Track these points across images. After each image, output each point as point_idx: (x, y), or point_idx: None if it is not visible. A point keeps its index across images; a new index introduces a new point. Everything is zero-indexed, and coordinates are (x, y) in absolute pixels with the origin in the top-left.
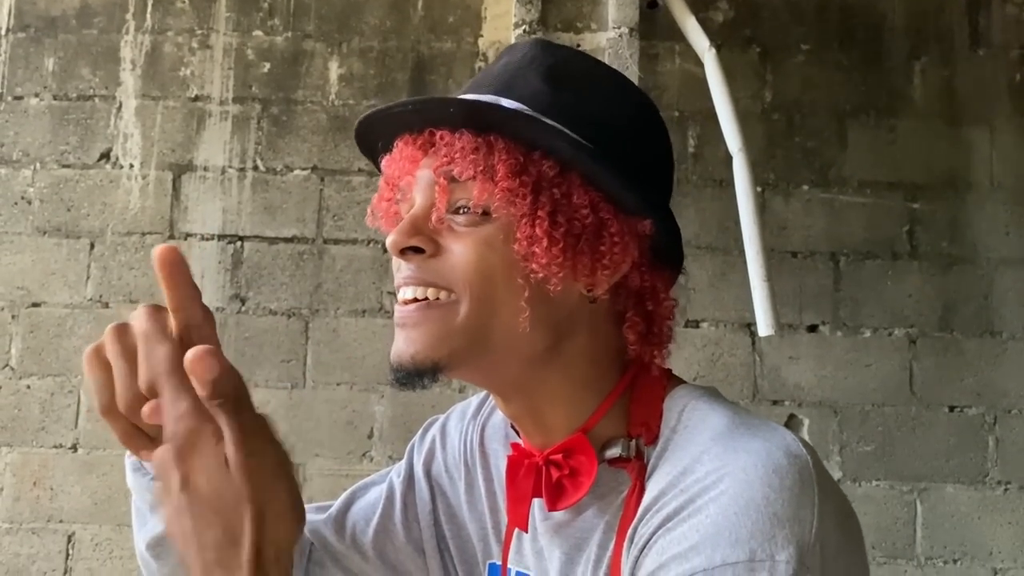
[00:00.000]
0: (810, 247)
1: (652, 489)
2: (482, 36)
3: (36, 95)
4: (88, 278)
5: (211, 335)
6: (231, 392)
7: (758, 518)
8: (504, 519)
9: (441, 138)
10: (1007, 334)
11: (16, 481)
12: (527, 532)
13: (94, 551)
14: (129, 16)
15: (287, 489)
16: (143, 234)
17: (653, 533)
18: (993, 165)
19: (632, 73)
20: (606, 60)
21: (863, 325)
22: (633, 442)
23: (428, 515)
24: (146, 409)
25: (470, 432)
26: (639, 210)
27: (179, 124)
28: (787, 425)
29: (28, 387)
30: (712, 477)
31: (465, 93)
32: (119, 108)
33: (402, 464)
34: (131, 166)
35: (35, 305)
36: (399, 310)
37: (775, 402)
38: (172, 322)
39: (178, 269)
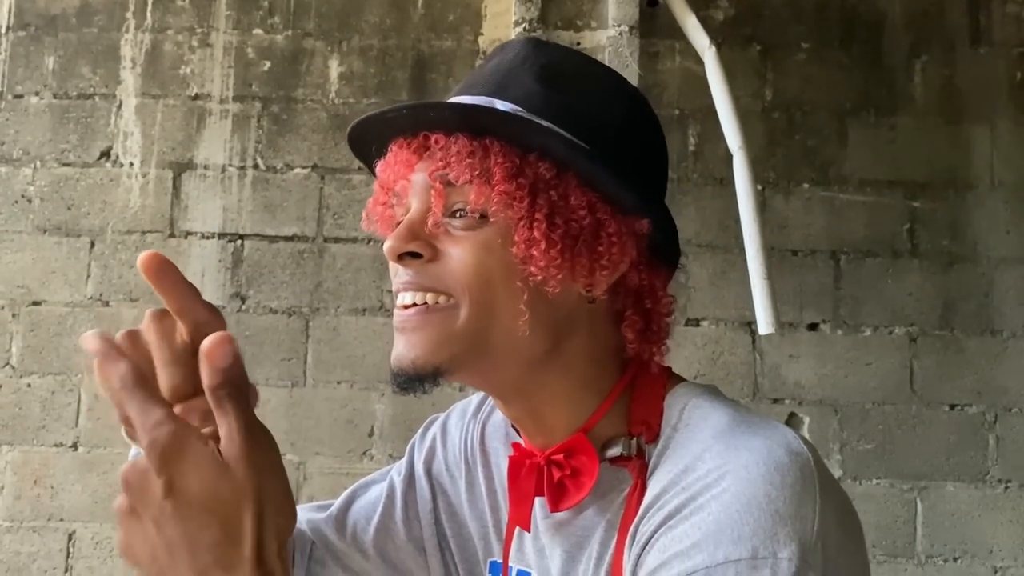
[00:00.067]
0: (810, 245)
1: (654, 487)
2: (482, 34)
3: (36, 93)
4: (88, 276)
5: (222, 328)
6: (238, 383)
7: (760, 515)
8: (505, 517)
9: (436, 142)
10: (1007, 332)
11: (17, 479)
12: (529, 532)
13: (95, 549)
14: (129, 14)
15: (282, 480)
16: (143, 232)
17: (655, 531)
18: (994, 163)
19: (632, 71)
20: (606, 58)
21: (863, 323)
22: (634, 441)
23: (429, 513)
24: (177, 412)
25: (471, 430)
26: (636, 209)
27: (179, 122)
28: (787, 424)
29: (28, 385)
30: (714, 475)
31: (458, 94)
32: (119, 106)
33: (403, 462)
34: (131, 164)
35: (35, 304)
36: (398, 315)
37: (775, 400)
38: (180, 326)
39: (166, 274)
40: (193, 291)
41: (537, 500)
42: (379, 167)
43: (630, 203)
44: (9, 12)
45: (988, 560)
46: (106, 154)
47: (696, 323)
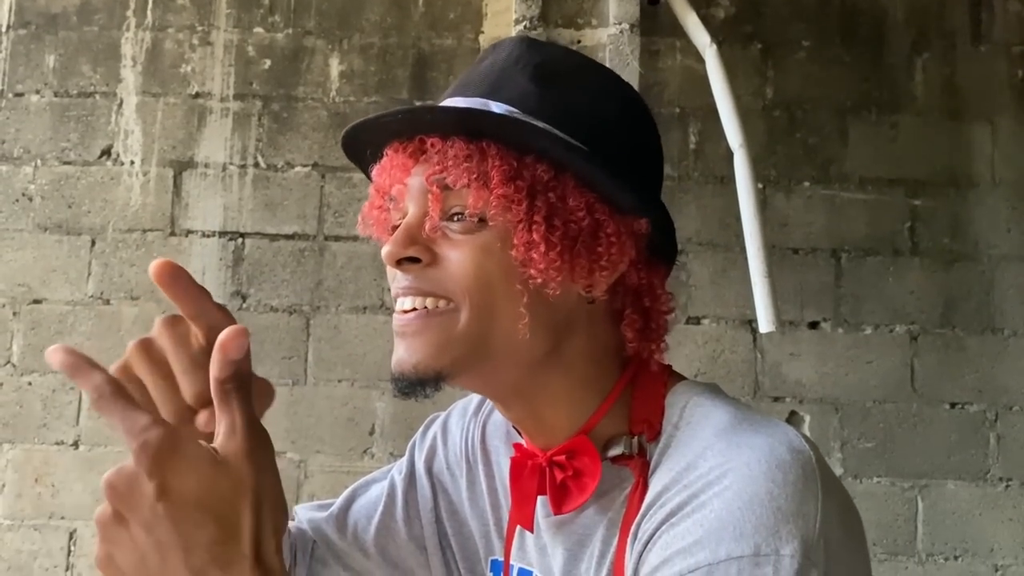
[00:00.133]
0: (811, 244)
1: (655, 485)
2: (483, 32)
3: (37, 92)
4: (89, 275)
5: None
6: (244, 378)
7: (762, 513)
8: (506, 516)
9: (432, 146)
10: (1008, 331)
11: (18, 478)
12: (532, 532)
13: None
14: (130, 13)
15: (278, 479)
16: (144, 231)
17: (657, 529)
18: (995, 162)
19: (633, 69)
20: (607, 56)
21: (864, 322)
22: (635, 439)
23: (430, 512)
24: (201, 419)
25: (471, 429)
26: (634, 209)
27: (180, 121)
28: (788, 422)
29: (29, 384)
30: (716, 473)
31: (452, 95)
32: (120, 105)
33: (403, 461)
34: (132, 163)
35: (36, 302)
36: (398, 319)
37: (776, 399)
38: (195, 330)
39: (179, 280)
40: (205, 294)
41: (539, 498)
42: (375, 171)
43: (628, 203)
44: (10, 10)
45: (989, 558)
46: (107, 152)
47: (697, 321)
